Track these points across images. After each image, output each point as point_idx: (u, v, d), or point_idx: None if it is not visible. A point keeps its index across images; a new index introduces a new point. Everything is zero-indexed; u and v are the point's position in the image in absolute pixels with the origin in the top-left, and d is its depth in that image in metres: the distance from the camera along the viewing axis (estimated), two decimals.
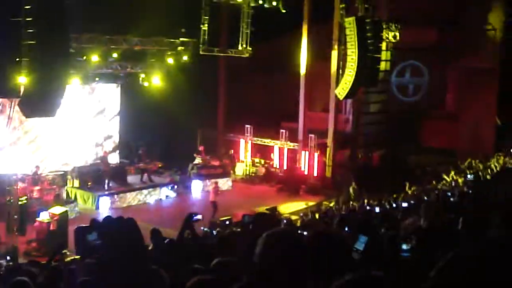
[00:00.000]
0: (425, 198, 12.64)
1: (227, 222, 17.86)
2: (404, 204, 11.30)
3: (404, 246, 5.07)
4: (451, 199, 10.13)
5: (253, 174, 26.96)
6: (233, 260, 4.43)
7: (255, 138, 27.05)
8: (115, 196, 22.03)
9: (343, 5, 24.77)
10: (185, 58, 23.75)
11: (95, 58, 21.32)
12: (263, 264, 2.49)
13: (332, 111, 25.60)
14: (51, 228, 17.03)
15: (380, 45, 24.61)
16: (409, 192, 19.01)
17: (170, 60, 23.61)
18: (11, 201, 18.03)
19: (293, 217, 18.32)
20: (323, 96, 26.70)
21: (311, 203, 22.32)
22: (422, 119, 28.06)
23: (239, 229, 12.53)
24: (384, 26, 25.21)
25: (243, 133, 27.28)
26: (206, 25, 24.04)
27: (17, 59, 14.50)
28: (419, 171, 22.70)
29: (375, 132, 26.36)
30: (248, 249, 5.53)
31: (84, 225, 5.55)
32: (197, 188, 24.61)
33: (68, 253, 15.50)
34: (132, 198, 22.46)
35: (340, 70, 25.20)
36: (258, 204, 21.09)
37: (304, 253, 2.50)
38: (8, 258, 14.01)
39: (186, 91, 24.97)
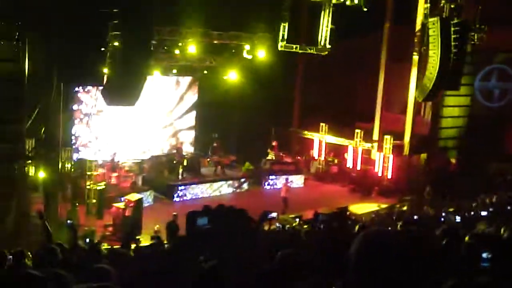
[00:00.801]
0: (508, 207, 12.12)
1: (297, 219, 17.86)
2: (483, 213, 10.88)
3: (484, 255, 4.88)
4: None
5: (325, 173, 26.71)
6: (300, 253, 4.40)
7: (330, 137, 26.79)
8: (189, 186, 22.43)
9: (428, 5, 24.10)
10: (263, 53, 23.80)
11: (175, 51, 21.77)
12: (359, 263, 2.45)
13: (410, 113, 25.01)
14: (126, 214, 17.56)
15: (465, 47, 23.73)
16: (487, 200, 18.29)
17: (248, 55, 23.72)
18: (91, 186, 18.74)
19: (364, 219, 18.04)
20: (401, 97, 26.09)
21: (383, 205, 21.91)
22: (507, 125, 26.88)
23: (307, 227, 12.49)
24: (470, 28, 24.32)
25: (318, 132, 27.08)
26: (286, 21, 24.00)
27: (102, 49, 14.99)
28: (500, 179, 21.79)
29: (454, 137, 25.52)
30: (320, 246, 5.49)
31: (196, 210, 5.68)
32: (269, 183, 24.69)
33: (141, 239, 15.99)
34: (205, 190, 22.80)
35: (421, 72, 24.57)
36: (329, 203, 20.92)
37: (402, 253, 2.44)
38: (87, 240, 14.56)
39: (263, 87, 25.07)
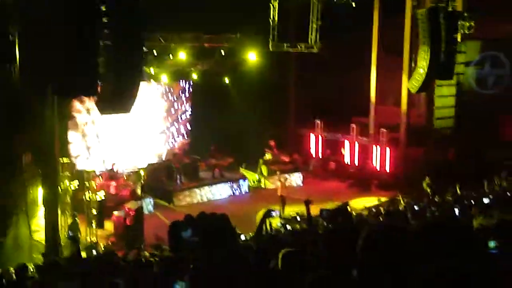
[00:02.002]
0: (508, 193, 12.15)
1: (298, 218, 17.84)
2: (485, 200, 10.90)
3: (492, 244, 4.86)
4: None
5: (323, 170, 26.73)
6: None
7: (326, 133, 26.80)
8: (188, 191, 22.40)
9: None
10: (255, 54, 23.81)
11: (166, 55, 21.74)
12: (366, 257, 2.44)
13: (404, 105, 25.05)
14: (128, 223, 17.52)
15: (455, 36, 23.77)
16: (486, 188, 18.33)
17: (240, 57, 23.72)
18: (90, 197, 18.68)
19: (365, 213, 18.05)
20: (395, 90, 26.12)
21: (383, 199, 21.93)
22: (502, 112, 26.94)
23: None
24: (459, 17, 24.36)
25: (314, 129, 27.08)
26: (276, 21, 24.02)
27: (94, 58, 14.92)
28: (498, 166, 21.82)
29: (450, 126, 25.55)
30: (327, 242, 5.46)
31: (178, 221, 5.57)
32: (267, 183, 24.71)
33: (143, 247, 15.95)
34: (204, 193, 22.78)
35: (413, 64, 24.61)
36: (329, 200, 20.89)
37: (410, 246, 2.43)
38: (93, 251, 14.54)
39: (256, 87, 25.06)
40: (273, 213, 6.15)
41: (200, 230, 3.44)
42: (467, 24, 24.60)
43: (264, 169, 25.37)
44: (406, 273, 2.34)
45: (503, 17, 25.43)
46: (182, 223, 5.53)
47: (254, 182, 25.08)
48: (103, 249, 16.01)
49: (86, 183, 19.04)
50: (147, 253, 12.46)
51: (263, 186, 24.97)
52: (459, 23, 24.06)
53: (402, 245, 2.44)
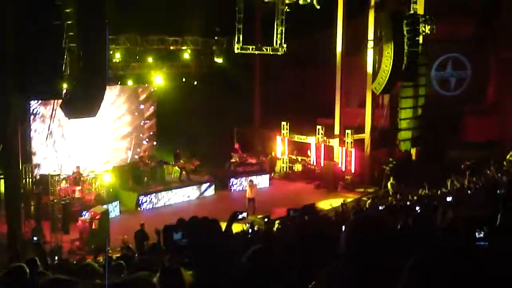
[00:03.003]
0: (468, 191, 12.45)
1: (266, 219, 17.89)
2: (448, 198, 11.14)
3: (477, 234, 4.96)
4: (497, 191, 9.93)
5: (289, 171, 26.91)
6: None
7: (292, 135, 26.97)
8: (154, 194, 22.27)
9: (378, 0, 24.55)
10: (220, 56, 23.84)
11: (132, 58, 21.61)
12: (351, 247, 2.51)
13: (368, 106, 25.40)
14: (93, 227, 17.33)
15: (417, 38, 24.22)
16: (449, 186, 18.72)
17: (205, 59, 23.72)
18: (55, 201, 18.42)
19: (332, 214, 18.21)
20: (359, 91, 26.48)
21: (349, 199, 22.18)
22: (464, 113, 27.55)
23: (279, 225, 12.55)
24: (420, 19, 24.83)
25: (279, 130, 27.23)
26: (241, 23, 24.13)
27: (59, 61, 14.78)
28: (460, 165, 22.32)
29: (413, 127, 25.98)
30: (298, 240, 5.54)
31: (171, 224, 5.63)
32: (234, 186, 24.74)
33: (110, 251, 15.77)
34: (171, 197, 22.68)
35: (376, 65, 24.99)
36: (296, 201, 21.02)
37: (394, 236, 2.52)
38: (56, 258, 14.31)
39: (221, 89, 25.10)
40: (240, 215, 6.14)
41: (191, 233, 3.50)
42: (429, 26, 25.09)
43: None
44: (395, 263, 2.42)
45: (462, 18, 26.01)
46: (174, 226, 5.55)
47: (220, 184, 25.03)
48: (67, 253, 15.79)
49: (51, 187, 18.76)
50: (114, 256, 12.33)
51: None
52: (420, 25, 24.55)
53: (389, 235, 2.53)
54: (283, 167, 27.03)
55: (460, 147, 25.19)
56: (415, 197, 16.96)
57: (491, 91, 28.23)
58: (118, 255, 12.80)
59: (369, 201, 20.70)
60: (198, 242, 2.98)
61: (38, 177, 19.50)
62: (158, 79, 24.34)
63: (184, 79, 24.32)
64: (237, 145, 26.17)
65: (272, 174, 26.29)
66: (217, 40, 23.82)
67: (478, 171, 19.19)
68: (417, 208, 12.25)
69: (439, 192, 16.49)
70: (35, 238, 15.52)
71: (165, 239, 6.05)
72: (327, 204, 21.26)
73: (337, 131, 25.45)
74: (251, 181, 22.21)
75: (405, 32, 23.50)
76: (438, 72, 28.05)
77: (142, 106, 24.87)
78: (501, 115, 27.12)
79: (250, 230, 14.99)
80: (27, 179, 18.07)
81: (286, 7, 24.76)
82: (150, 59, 22.38)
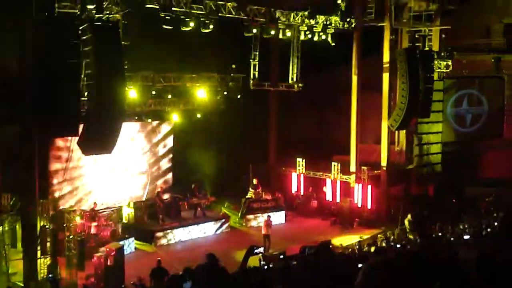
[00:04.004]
0: (489, 230, 12.28)
1: (281, 256, 17.75)
2: (466, 237, 10.99)
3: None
4: None
5: (305, 207, 26.71)
6: None
7: (307, 171, 26.91)
8: (170, 231, 22.24)
9: (393, 37, 24.72)
10: (236, 93, 24.02)
11: (149, 95, 21.82)
12: None
13: (384, 142, 25.33)
14: (108, 263, 17.28)
15: (432, 75, 24.31)
16: (466, 225, 18.49)
17: (222, 96, 23.90)
18: (70, 237, 18.45)
19: (348, 251, 18.02)
20: (375, 128, 26.45)
21: (365, 236, 21.96)
22: (481, 149, 27.39)
23: (294, 262, 12.44)
24: (435, 56, 24.95)
25: (295, 167, 27.19)
26: (256, 60, 24.40)
27: (76, 99, 14.99)
28: (478, 202, 22.13)
29: (430, 163, 25.84)
30: (311, 279, 5.49)
31: (178, 274, 5.62)
32: (250, 222, 24.66)
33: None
34: (186, 233, 22.62)
35: (392, 102, 25.03)
36: (312, 238, 20.87)
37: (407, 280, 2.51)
38: None
39: (238, 126, 25.22)
40: (256, 250, 6.15)
41: (202, 282, 3.50)
42: (444, 63, 25.19)
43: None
44: None
45: (478, 54, 26.08)
46: (182, 275, 5.54)
47: (236, 221, 24.99)
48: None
49: (67, 223, 18.83)
50: None
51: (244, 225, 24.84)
52: (435, 62, 24.66)
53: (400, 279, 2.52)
54: (299, 203, 26.76)
55: (477, 184, 24.98)
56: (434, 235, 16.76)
57: (508, 127, 28.09)
58: None
59: (386, 237, 20.49)
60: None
61: (54, 212, 19.56)
62: (175, 116, 24.55)
63: (200, 116, 24.44)
64: (256, 180, 26.08)
65: (288, 210, 26.04)
66: (233, 77, 24.04)
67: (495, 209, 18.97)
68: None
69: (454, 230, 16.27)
70: (50, 275, 15.53)
71: None
72: (342, 240, 21.10)
73: (353, 167, 25.34)
74: (268, 216, 22.08)
75: (420, 69, 23.61)
76: (454, 108, 27.99)
77: (159, 142, 25.01)
78: None
79: (265, 267, 14.88)
80: (44, 215, 18.17)
81: (301, 44, 25.01)
82: (167, 96, 22.58)
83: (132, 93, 20.44)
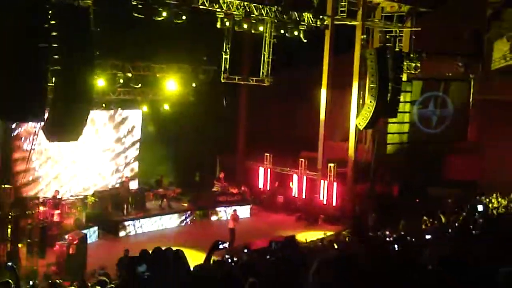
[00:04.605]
0: (449, 230, 12.50)
1: (245, 250, 17.78)
2: (427, 236, 11.18)
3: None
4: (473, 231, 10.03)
5: (270, 202, 26.82)
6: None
7: (274, 167, 27.01)
8: (134, 221, 22.09)
9: (364, 36, 24.92)
10: (206, 85, 23.97)
11: (117, 83, 21.61)
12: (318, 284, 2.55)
13: (352, 140, 25.55)
14: (71, 252, 17.08)
15: (401, 76, 24.63)
16: (428, 224, 18.78)
17: (192, 88, 23.80)
18: (32, 224, 18.18)
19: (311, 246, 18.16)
20: (343, 126, 26.68)
21: (329, 233, 22.15)
22: (445, 151, 27.89)
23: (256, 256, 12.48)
24: (405, 57, 25.26)
25: (263, 161, 27.27)
26: (228, 53, 24.37)
27: (43, 84, 14.72)
28: (440, 203, 22.48)
29: (395, 163, 26.20)
30: (276, 273, 5.53)
31: (134, 256, 5.51)
32: (215, 215, 24.65)
33: (86, 277, 15.54)
34: (151, 224, 22.50)
35: (361, 100, 25.26)
36: (276, 232, 20.99)
37: (361, 275, 2.55)
38: (30, 282, 14.06)
39: (206, 118, 25.16)
40: (221, 245, 6.12)
41: (155, 265, 3.45)
42: (413, 64, 25.53)
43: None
44: None
45: (446, 58, 26.49)
46: (137, 257, 5.48)
47: (201, 213, 24.92)
48: (43, 278, 15.51)
49: (29, 210, 18.54)
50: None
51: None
52: (405, 63, 24.98)
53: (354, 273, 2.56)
54: (264, 198, 26.85)
55: (441, 185, 25.43)
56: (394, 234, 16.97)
57: (472, 131, 28.66)
58: (95, 281, 12.63)
59: (349, 234, 20.69)
60: (161, 275, 2.94)
61: (16, 199, 19.23)
62: (143, 106, 24.35)
63: (168, 107, 24.30)
64: (222, 174, 26.10)
65: (253, 204, 26.08)
66: (204, 69, 23.96)
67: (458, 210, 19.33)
68: (396, 246, 12.29)
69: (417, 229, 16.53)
70: (9, 263, 15.25)
71: (127, 271, 5.92)
72: (306, 236, 21.23)
73: (320, 164, 25.51)
74: (234, 211, 22.09)
75: (389, 69, 23.90)
76: (420, 110, 28.40)
77: (126, 132, 24.79)
78: (479, 156, 27.49)
79: (229, 261, 14.87)
80: (5, 201, 17.84)
81: (274, 40, 25.07)
82: (136, 86, 22.39)
83: (100, 81, 20.19)
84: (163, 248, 3.72)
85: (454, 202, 21.10)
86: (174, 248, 4.09)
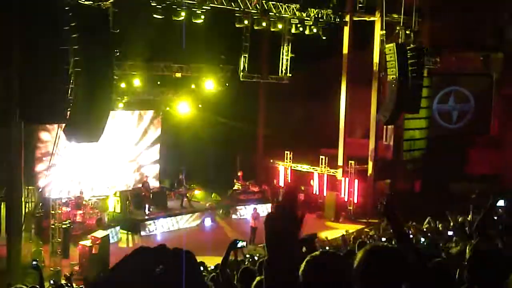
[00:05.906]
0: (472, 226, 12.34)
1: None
2: (450, 233, 11.06)
3: None
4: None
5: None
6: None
7: (295, 164, 26.95)
8: (155, 221, 22.20)
9: (383, 32, 24.73)
10: (225, 84, 23.98)
11: (137, 84, 21.74)
12: (364, 280, 2.54)
13: (372, 137, 25.39)
14: (93, 251, 17.24)
15: (422, 71, 24.37)
16: (452, 220, 18.56)
17: (211, 87, 23.82)
18: (55, 224, 18.38)
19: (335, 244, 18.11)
20: (363, 122, 26.51)
21: (351, 230, 22.05)
22: (466, 146, 27.57)
23: None
24: (425, 52, 25.00)
25: (283, 159, 27.22)
26: (247, 52, 24.33)
27: (63, 85, 14.88)
28: (463, 198, 22.22)
29: (416, 159, 25.97)
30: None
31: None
32: (237, 214, 24.67)
33: None
34: (172, 223, 22.59)
35: (381, 96, 25.08)
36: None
37: (405, 268, 2.55)
38: (51, 281, 14.20)
39: (226, 117, 25.19)
40: (239, 244, 6.10)
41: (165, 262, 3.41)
42: (433, 59, 25.25)
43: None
44: None
45: (467, 52, 26.17)
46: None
47: (222, 212, 24.98)
48: (65, 278, 15.66)
49: (52, 210, 18.74)
50: None
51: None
52: (425, 58, 24.71)
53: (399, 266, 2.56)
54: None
55: (463, 180, 25.13)
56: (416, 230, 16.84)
57: (494, 125, 28.28)
58: None
59: (371, 232, 20.58)
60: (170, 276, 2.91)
61: (40, 200, 19.46)
62: (164, 106, 24.46)
63: (189, 106, 24.36)
64: (240, 173, 26.13)
65: (275, 203, 26.11)
66: (222, 68, 23.98)
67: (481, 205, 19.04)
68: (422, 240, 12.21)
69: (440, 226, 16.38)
70: (34, 263, 15.43)
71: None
72: (328, 234, 21.16)
73: (340, 161, 25.39)
74: (255, 209, 22.11)
75: (409, 65, 23.67)
76: (440, 105, 28.09)
77: (147, 132, 24.90)
78: (502, 150, 27.13)
79: (251, 260, 14.88)
80: (29, 202, 18.08)
81: (292, 37, 24.97)
82: (155, 86, 22.50)
83: (121, 82, 20.34)
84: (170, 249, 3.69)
85: (476, 197, 20.81)
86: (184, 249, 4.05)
